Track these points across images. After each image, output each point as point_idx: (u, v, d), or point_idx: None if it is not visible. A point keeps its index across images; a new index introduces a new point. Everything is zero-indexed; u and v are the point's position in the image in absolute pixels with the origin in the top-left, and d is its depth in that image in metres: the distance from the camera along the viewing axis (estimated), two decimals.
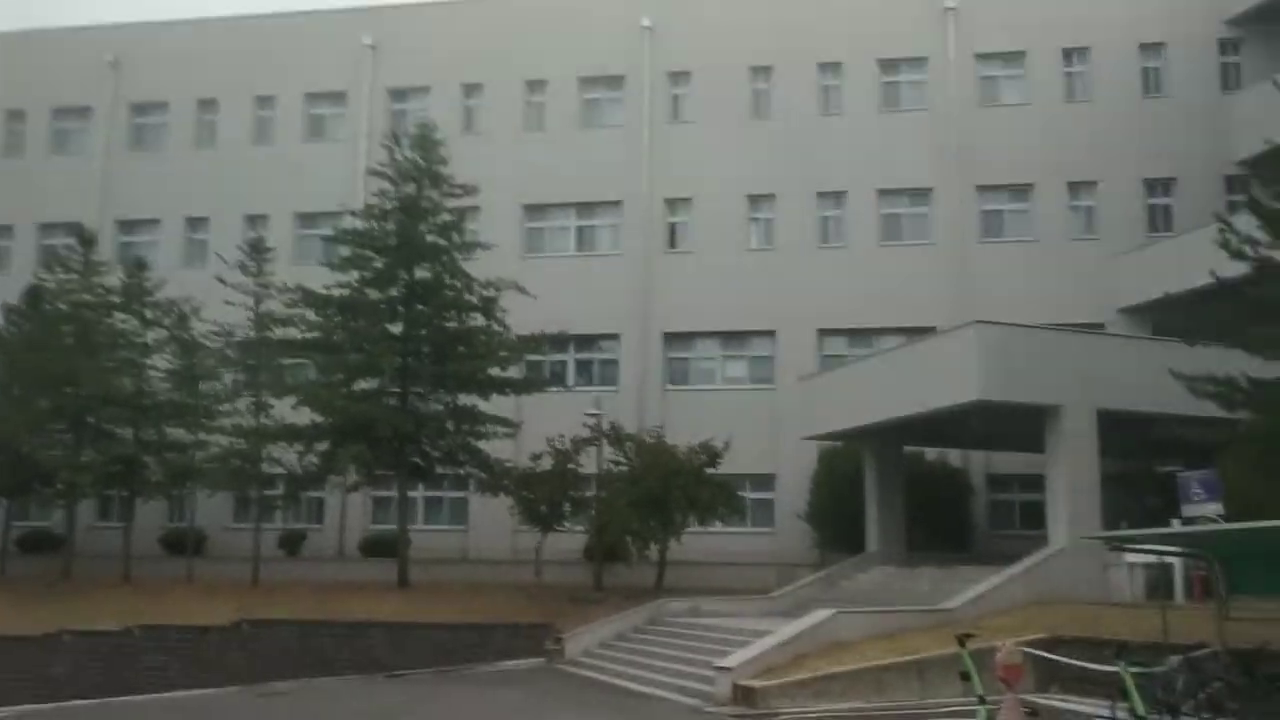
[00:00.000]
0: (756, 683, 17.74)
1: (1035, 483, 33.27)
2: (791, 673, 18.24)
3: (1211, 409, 20.98)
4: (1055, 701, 17.09)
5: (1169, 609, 19.38)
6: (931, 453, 32.04)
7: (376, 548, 32.74)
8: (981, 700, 13.11)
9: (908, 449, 30.25)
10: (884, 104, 35.78)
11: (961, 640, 13.43)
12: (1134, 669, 14.50)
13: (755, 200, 35.90)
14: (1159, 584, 21.45)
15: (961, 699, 18.12)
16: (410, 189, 30.03)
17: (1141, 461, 31.85)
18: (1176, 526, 17.67)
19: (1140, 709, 11.34)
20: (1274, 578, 14.78)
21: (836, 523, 30.74)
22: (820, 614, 20.16)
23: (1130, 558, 21.38)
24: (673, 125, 36.59)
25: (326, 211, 35.43)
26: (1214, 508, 17.26)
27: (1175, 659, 14.54)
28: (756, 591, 28.49)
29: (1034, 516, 33.26)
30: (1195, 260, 27.96)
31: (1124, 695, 11.97)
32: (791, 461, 33.03)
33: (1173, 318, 29.56)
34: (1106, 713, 14.34)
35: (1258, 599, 15.28)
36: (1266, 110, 31.95)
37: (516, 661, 24.52)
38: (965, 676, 13.27)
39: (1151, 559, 21.15)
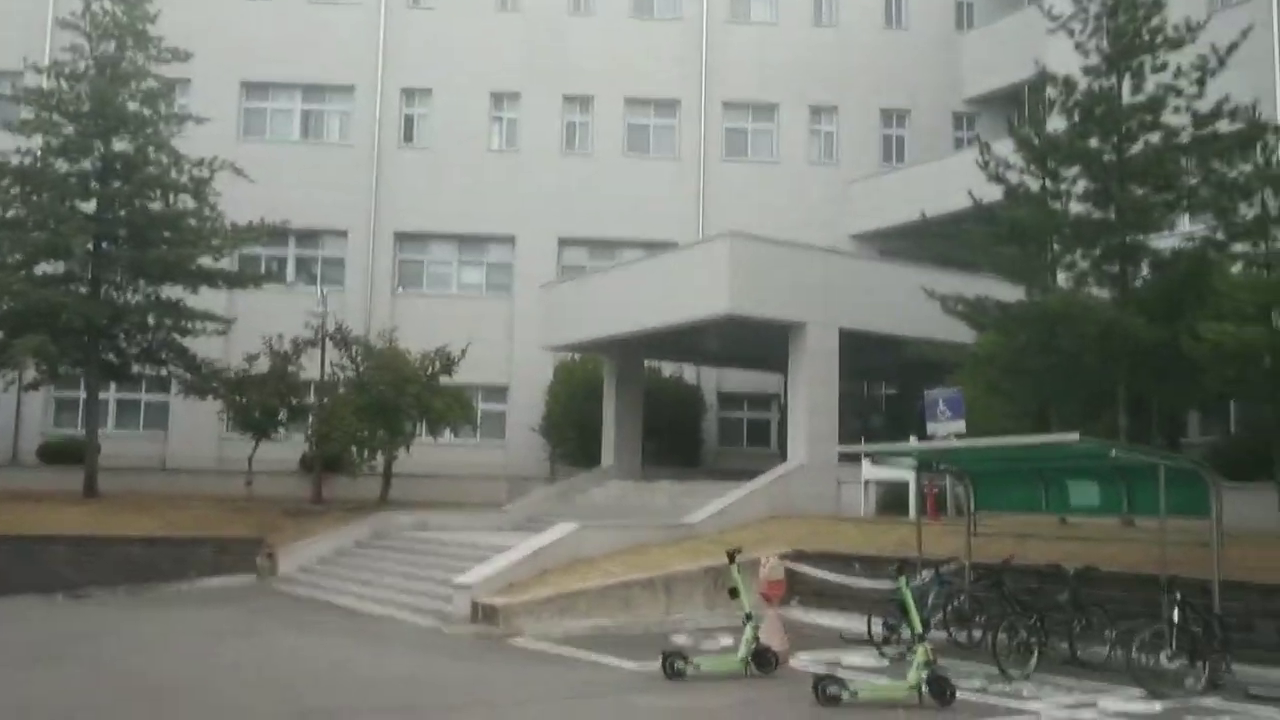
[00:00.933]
0: (498, 600, 16.59)
1: (763, 402, 33.98)
2: (535, 590, 17.20)
3: (951, 332, 21.54)
4: (814, 617, 16.99)
5: (913, 525, 19.79)
6: (668, 369, 31.75)
7: (58, 454, 29.04)
8: (749, 618, 12.52)
9: (646, 364, 29.79)
10: (635, 9, 34.60)
11: (731, 556, 12.78)
12: (885, 585, 14.43)
13: (499, 98, 34.01)
14: (890, 501, 21.95)
15: (710, 614, 17.82)
16: (109, 48, 26.21)
17: (865, 382, 33.01)
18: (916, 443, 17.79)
19: (917, 626, 11.02)
20: (1015, 495, 15.01)
21: (571, 436, 29.97)
22: (563, 528, 19.22)
23: (867, 475, 21.72)
24: (413, 9, 33.93)
25: (7, 70, 30.57)
26: (958, 426, 17.50)
27: (927, 573, 14.55)
28: (487, 505, 27.39)
29: (760, 434, 33.94)
30: (923, 191, 29.09)
31: (903, 612, 11.65)
32: (526, 373, 31.93)
33: (900, 245, 30.48)
34: (863, 628, 14.19)
35: (1000, 514, 15.54)
36: (993, 51, 33.43)
37: (223, 579, 22.26)
38: (734, 593, 12.64)
39: (886, 477, 21.58)
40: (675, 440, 31.02)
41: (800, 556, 18.60)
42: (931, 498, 20.35)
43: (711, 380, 33.27)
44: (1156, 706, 10.81)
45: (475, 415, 29.09)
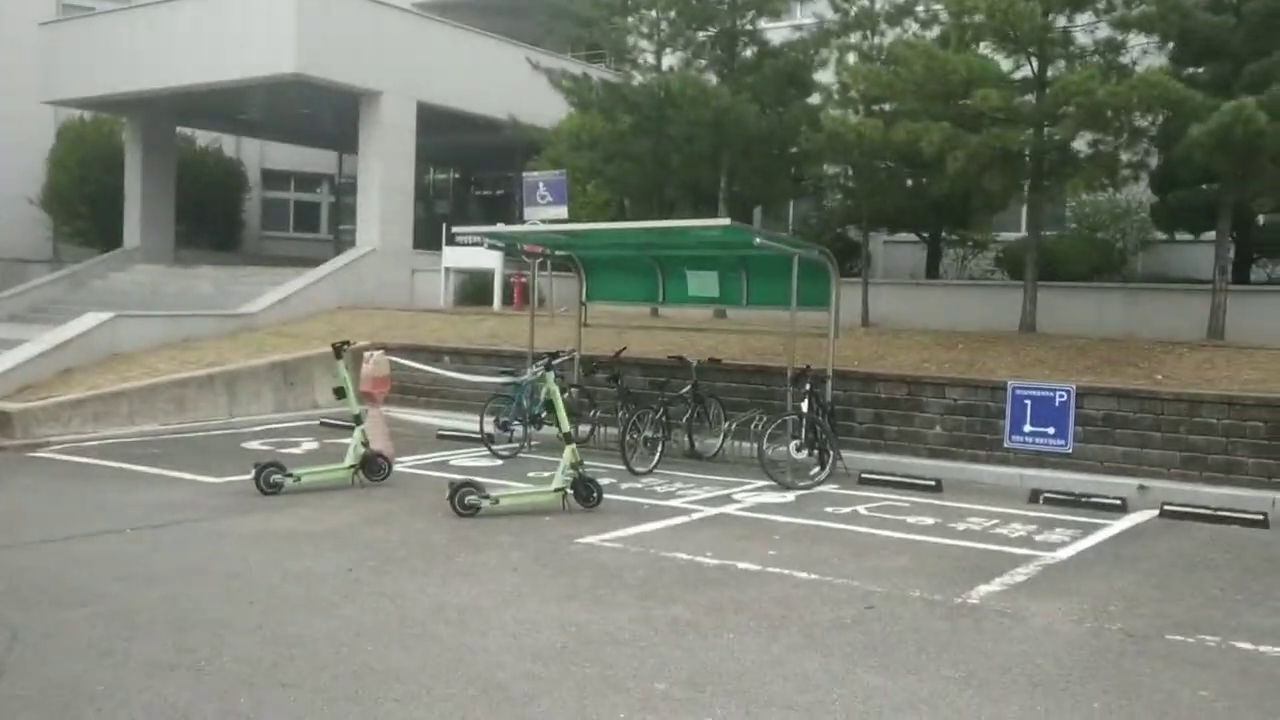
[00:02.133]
0: (13, 405, 13.38)
1: (313, 182, 30.95)
2: (61, 391, 14.11)
3: (541, 115, 20.19)
4: (406, 416, 15.41)
5: (502, 316, 18.65)
6: (203, 139, 27.71)
7: None
8: (358, 420, 10.76)
9: (179, 131, 25.71)
10: None
11: (338, 349, 10.80)
12: (503, 378, 13.23)
13: None
14: (471, 292, 20.64)
15: (282, 415, 15.70)
16: None
17: (449, 167, 30.97)
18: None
19: (565, 425, 9.89)
20: (629, 286, 14.26)
21: (83, 212, 25.42)
22: (92, 318, 15.95)
23: (448, 263, 20.16)
24: None
25: None
26: (559, 211, 16.36)
27: (538, 366, 13.47)
28: None
29: (309, 218, 31.05)
30: None
31: (549, 408, 10.46)
32: (17, 133, 26.42)
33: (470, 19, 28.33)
34: (460, 426, 12.93)
35: (606, 304, 14.76)
36: None
37: None
38: (340, 393, 10.76)
39: (468, 265, 20.17)
40: (212, 221, 27.44)
41: (386, 350, 16.88)
42: (519, 288, 19.31)
43: (254, 155, 29.65)
44: (790, 497, 10.63)
45: None
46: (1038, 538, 8.99)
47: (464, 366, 15.50)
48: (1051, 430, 11.81)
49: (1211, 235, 16.52)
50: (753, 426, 12.25)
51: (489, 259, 19.38)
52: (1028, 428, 11.95)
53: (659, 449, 11.96)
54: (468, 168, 30.46)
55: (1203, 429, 11.09)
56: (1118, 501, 10.44)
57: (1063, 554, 8.41)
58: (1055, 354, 13.07)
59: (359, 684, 5.13)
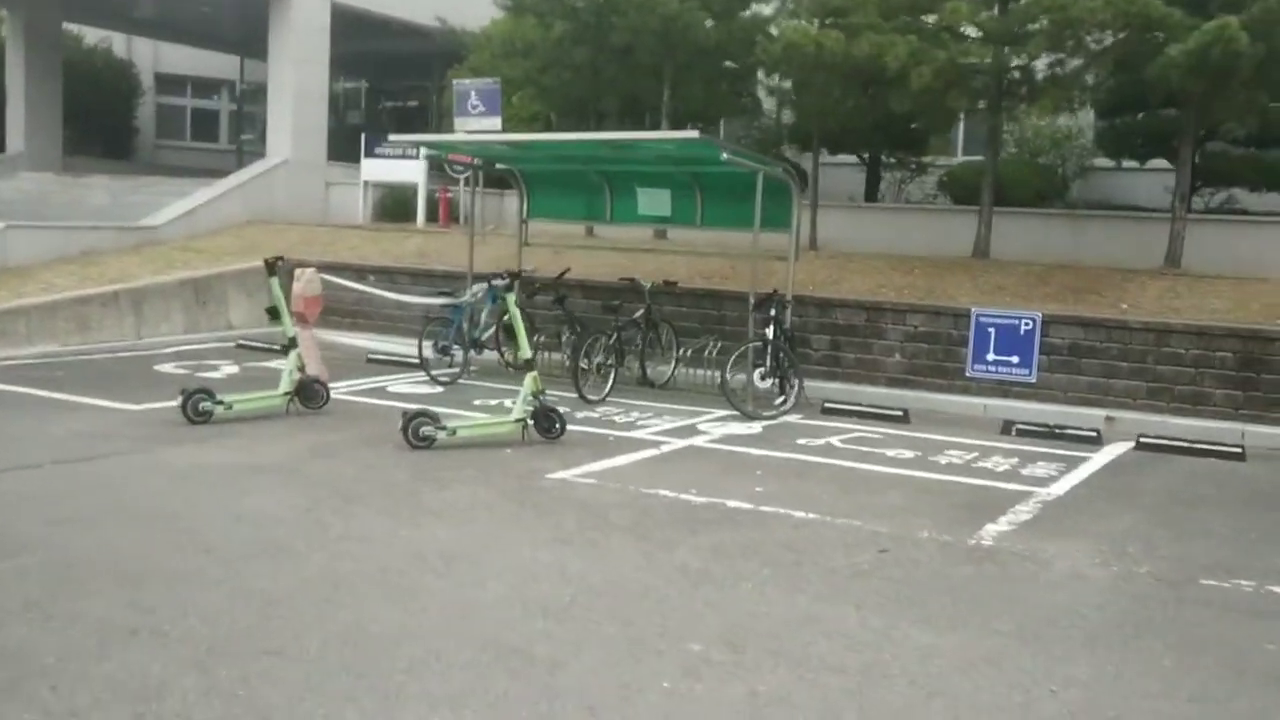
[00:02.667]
0: None
1: (211, 88, 29.13)
2: None
3: (455, 18, 19.08)
4: (335, 338, 14.46)
5: (427, 233, 17.68)
6: (92, 37, 25.73)
7: None
8: (292, 343, 9.90)
9: (67, 26, 23.81)
10: None
11: (271, 265, 9.87)
12: (442, 300, 12.44)
13: None
14: (390, 207, 19.59)
15: (194, 336, 14.63)
16: None
17: (365, 76, 29.37)
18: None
19: (527, 350, 9.18)
20: (573, 203, 13.49)
21: None
22: None
23: (367, 176, 19.04)
24: None
25: None
26: (492, 122, 15.43)
27: (479, 287, 12.70)
28: None
29: (207, 126, 29.32)
30: None
31: (509, 333, 9.74)
32: None
33: None
34: (394, 349, 12.13)
35: (547, 222, 13.97)
36: None
37: None
38: (274, 314, 9.87)
39: (389, 179, 19.10)
40: (102, 128, 25.61)
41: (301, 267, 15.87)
42: (445, 204, 18.35)
43: (147, 58, 27.73)
44: (756, 428, 10.14)
45: None
46: (1023, 471, 8.66)
47: (393, 287, 14.59)
48: (1016, 359, 11.52)
49: (1158, 163, 16.43)
50: (707, 353, 11.73)
51: (411, 173, 18.37)
52: (991, 356, 11.64)
53: (612, 376, 11.35)
54: (379, 76, 28.97)
55: (1171, 359, 10.90)
56: (1092, 433, 10.19)
57: (1055, 489, 8.08)
58: (1015, 281, 12.76)
59: (356, 651, 4.46)
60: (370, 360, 13.47)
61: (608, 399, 11.15)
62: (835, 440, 9.63)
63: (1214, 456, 9.54)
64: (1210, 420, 10.54)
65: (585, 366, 11.10)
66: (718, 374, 11.37)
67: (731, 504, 7.23)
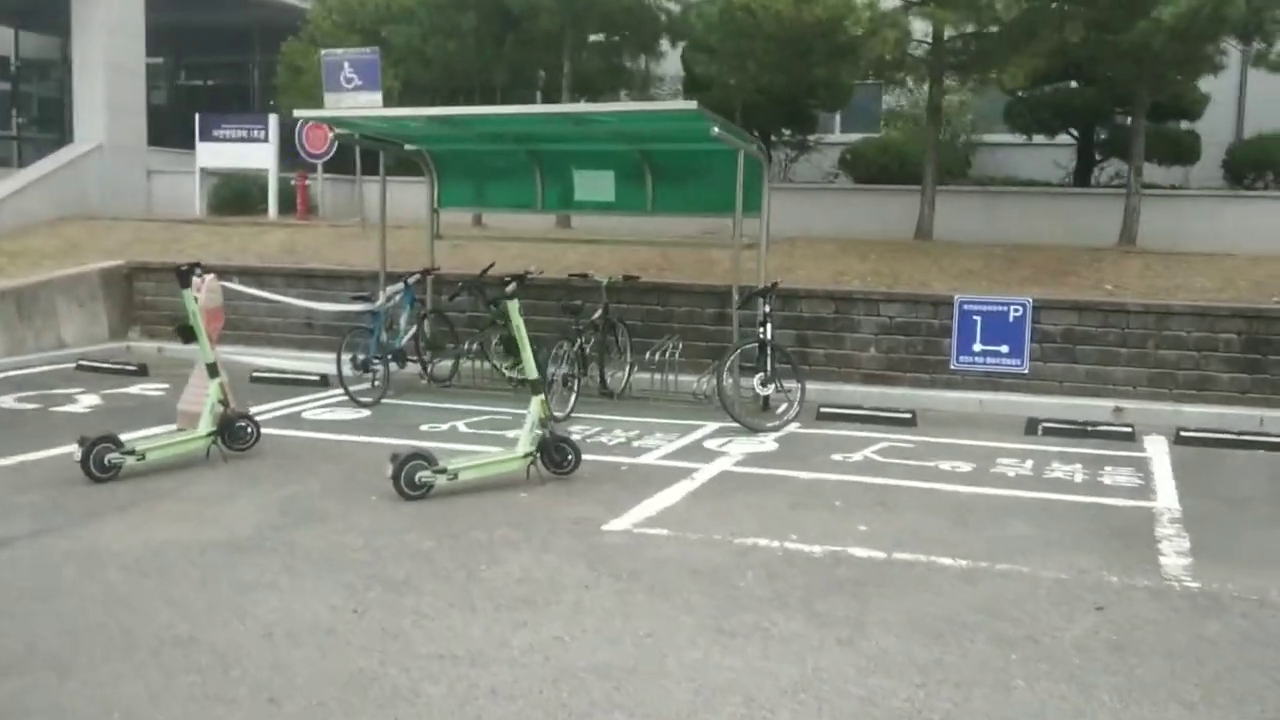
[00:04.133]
0: None
1: None
2: None
3: None
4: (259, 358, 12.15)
5: (287, 226, 15.45)
6: None
7: None
8: (213, 370, 7.89)
9: None
10: None
11: (185, 275, 7.79)
12: (355, 306, 10.57)
13: None
14: (228, 198, 17.16)
15: (16, 359, 12.04)
16: None
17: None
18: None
19: (533, 370, 7.51)
20: (494, 189, 11.79)
21: None
22: None
23: (205, 162, 16.55)
24: None
25: None
26: (371, 98, 13.46)
27: (394, 289, 10.86)
28: None
29: None
30: None
31: (509, 347, 8.06)
32: None
33: None
34: (333, 367, 10.19)
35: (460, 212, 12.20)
36: None
37: None
38: (189, 333, 7.81)
39: (230, 165, 16.69)
40: None
41: (142, 272, 13.51)
42: (303, 192, 16.15)
43: None
44: (768, 442, 8.84)
45: None
46: (1106, 481, 7.71)
47: (288, 292, 12.45)
48: (1005, 349, 10.67)
49: (1061, 139, 16.12)
50: (667, 356, 10.34)
51: (260, 158, 16.06)
52: (978, 347, 10.75)
53: (576, 389, 9.81)
54: (181, 52, 25.83)
55: (1173, 343, 10.27)
56: (1125, 429, 9.40)
57: (1166, 502, 7.14)
58: (982, 263, 11.95)
59: None
60: (256, 379, 11.34)
61: (572, 415, 9.61)
62: (870, 454, 8.45)
63: (1263, 448, 8.89)
64: (1220, 406, 9.97)
65: (550, 378, 9.50)
66: (680, 379, 10.08)
67: (856, 553, 5.90)
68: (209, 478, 7.31)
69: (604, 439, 8.84)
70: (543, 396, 7.43)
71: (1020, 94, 15.51)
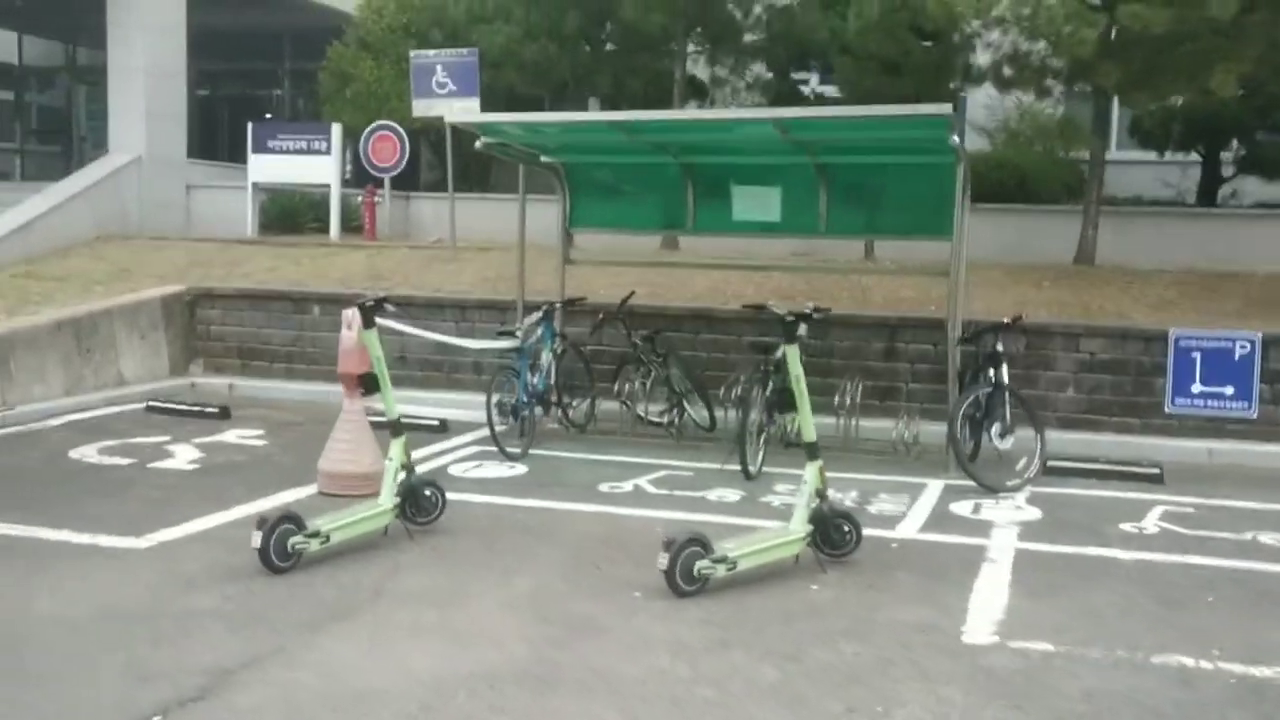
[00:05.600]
0: None
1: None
2: None
3: None
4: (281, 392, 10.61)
5: (368, 247, 13.97)
6: None
7: None
8: (397, 429, 6.42)
9: None
10: None
11: (370, 312, 6.33)
12: (503, 342, 9.13)
13: None
14: (275, 215, 15.63)
15: (78, 400, 10.46)
16: None
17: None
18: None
19: (810, 431, 6.13)
20: (636, 207, 10.41)
21: None
22: None
23: (258, 176, 15.01)
24: None
25: None
26: (467, 104, 12.06)
27: (533, 319, 9.43)
28: None
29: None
30: None
31: (784, 397, 6.65)
32: None
33: None
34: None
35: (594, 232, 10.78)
36: None
37: None
38: (370, 384, 6.33)
39: (286, 180, 15.17)
40: None
41: (211, 298, 12.00)
42: (371, 210, 14.67)
43: None
44: (1023, 505, 7.51)
45: None
46: None
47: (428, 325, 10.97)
48: (1229, 390, 9.41)
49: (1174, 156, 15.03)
50: (848, 398, 8.99)
51: (321, 172, 14.57)
52: (1197, 388, 9.48)
53: (762, 437, 8.44)
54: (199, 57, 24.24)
55: None
56: None
57: None
58: (1177, 292, 10.72)
59: None
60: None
61: (763, 470, 8.26)
62: (1159, 522, 7.14)
63: None
64: None
65: (753, 428, 8.14)
66: (860, 424, 8.77)
67: None
68: (412, 564, 5.87)
69: (846, 499, 7.45)
70: (820, 462, 6.05)
71: (1151, 108, 14.36)
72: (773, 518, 6.78)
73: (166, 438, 9.16)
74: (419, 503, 6.43)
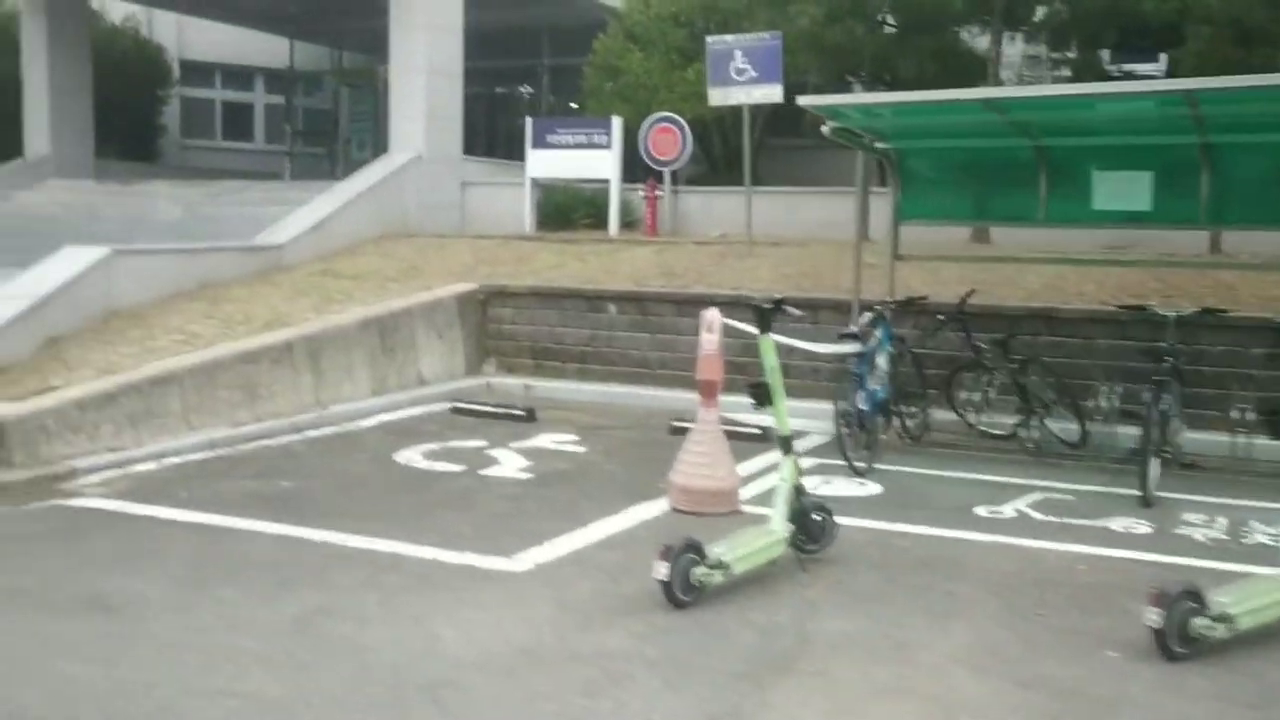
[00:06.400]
0: (7, 408, 7.78)
1: (243, 77, 24.53)
2: (61, 376, 8.51)
3: None
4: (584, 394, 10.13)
5: (650, 243, 13.51)
6: (116, 14, 21.07)
7: None
8: (786, 445, 5.71)
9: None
10: None
11: (767, 314, 5.66)
12: (848, 346, 8.31)
13: None
14: (549, 212, 15.31)
15: (383, 400, 10.31)
16: None
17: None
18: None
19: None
20: (964, 198, 9.46)
21: None
22: (78, 256, 10.11)
23: (536, 172, 14.75)
24: None
25: None
26: (769, 91, 11.36)
27: (866, 320, 8.59)
28: None
29: (240, 123, 24.72)
30: None
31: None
32: None
33: None
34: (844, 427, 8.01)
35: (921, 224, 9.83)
36: None
37: None
38: (762, 395, 5.64)
39: (561, 175, 14.85)
40: (127, 125, 20.89)
41: (503, 296, 11.72)
42: (653, 205, 14.17)
43: (169, 41, 23.04)
44: None
45: None
46: None
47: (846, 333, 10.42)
48: None
49: None
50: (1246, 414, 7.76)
51: (601, 166, 14.16)
52: None
53: (1153, 458, 7.35)
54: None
55: None
56: None
57: None
58: None
59: None
60: (678, 429, 9.28)
61: (1158, 495, 7.18)
62: None
63: None
64: None
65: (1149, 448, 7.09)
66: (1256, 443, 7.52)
67: None
68: (822, 602, 5.15)
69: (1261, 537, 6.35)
70: None
71: None
72: (1199, 554, 5.78)
73: (483, 442, 8.81)
74: (808, 528, 5.72)
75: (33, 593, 5.06)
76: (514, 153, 19.51)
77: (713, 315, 6.70)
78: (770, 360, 5.61)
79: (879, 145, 9.07)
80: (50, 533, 6.14)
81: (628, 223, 14.62)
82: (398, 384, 10.78)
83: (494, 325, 11.87)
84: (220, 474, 7.67)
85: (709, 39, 11.89)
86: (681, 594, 4.97)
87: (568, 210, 15.15)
